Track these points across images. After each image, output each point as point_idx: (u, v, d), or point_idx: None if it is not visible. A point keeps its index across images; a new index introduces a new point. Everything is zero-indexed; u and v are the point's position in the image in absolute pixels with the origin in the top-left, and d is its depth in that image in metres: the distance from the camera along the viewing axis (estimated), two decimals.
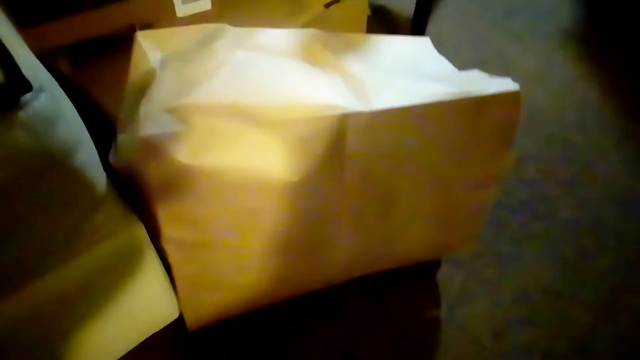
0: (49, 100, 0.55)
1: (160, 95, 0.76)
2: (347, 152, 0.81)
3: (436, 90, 0.84)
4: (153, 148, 0.70)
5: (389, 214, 0.92)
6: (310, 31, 0.96)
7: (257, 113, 0.74)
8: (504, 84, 0.88)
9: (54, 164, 0.57)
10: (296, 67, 0.85)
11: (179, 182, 0.74)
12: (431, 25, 1.57)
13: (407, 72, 0.94)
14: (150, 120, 0.71)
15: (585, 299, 1.14)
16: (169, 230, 0.78)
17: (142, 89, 0.80)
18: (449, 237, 1.03)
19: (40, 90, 0.54)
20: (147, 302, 0.86)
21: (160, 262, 0.84)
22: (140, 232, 0.78)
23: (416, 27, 1.56)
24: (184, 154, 0.71)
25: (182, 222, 0.78)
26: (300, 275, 0.92)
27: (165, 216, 0.77)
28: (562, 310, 1.12)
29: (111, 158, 0.88)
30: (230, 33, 0.89)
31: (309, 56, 0.90)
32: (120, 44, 1.03)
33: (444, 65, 1.02)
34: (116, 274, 0.79)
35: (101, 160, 0.71)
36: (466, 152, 0.90)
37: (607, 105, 1.54)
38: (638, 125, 1.48)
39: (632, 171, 1.38)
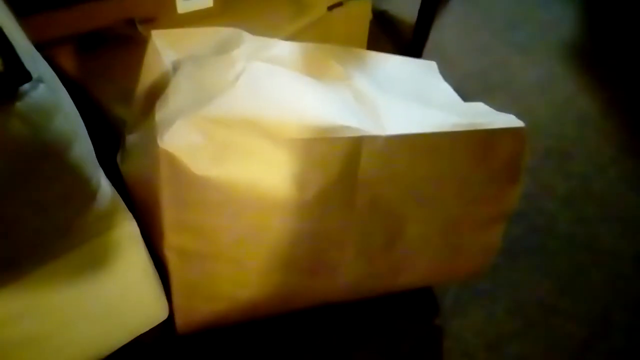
0: (47, 91, 0.53)
1: (177, 101, 0.75)
2: (360, 176, 0.79)
3: (445, 120, 0.84)
4: (169, 157, 0.69)
5: (395, 244, 0.90)
6: (323, 46, 0.95)
7: (273, 129, 0.73)
8: (510, 120, 0.88)
9: (50, 156, 0.55)
10: (312, 84, 0.85)
11: (191, 192, 0.73)
12: (433, 32, 1.57)
13: (416, 97, 0.94)
14: (168, 128, 0.70)
15: (580, 314, 1.13)
16: (172, 237, 0.77)
17: (156, 91, 0.79)
18: (455, 271, 1.02)
19: (39, 80, 0.53)
20: (136, 301, 0.84)
21: (151, 261, 0.83)
22: (133, 229, 0.77)
23: (418, 33, 1.55)
24: (199, 165, 0.71)
25: (187, 230, 0.77)
26: (299, 294, 0.90)
27: (170, 223, 0.75)
28: (556, 325, 1.12)
29: (119, 158, 0.87)
30: (247, 41, 0.88)
31: (322, 72, 0.89)
32: (120, 40, 1.02)
33: (449, 93, 1.02)
34: (106, 270, 0.77)
35: (97, 155, 0.70)
36: (473, 187, 0.89)
37: (607, 120, 1.54)
38: (637, 141, 1.48)
39: (629, 187, 1.37)
